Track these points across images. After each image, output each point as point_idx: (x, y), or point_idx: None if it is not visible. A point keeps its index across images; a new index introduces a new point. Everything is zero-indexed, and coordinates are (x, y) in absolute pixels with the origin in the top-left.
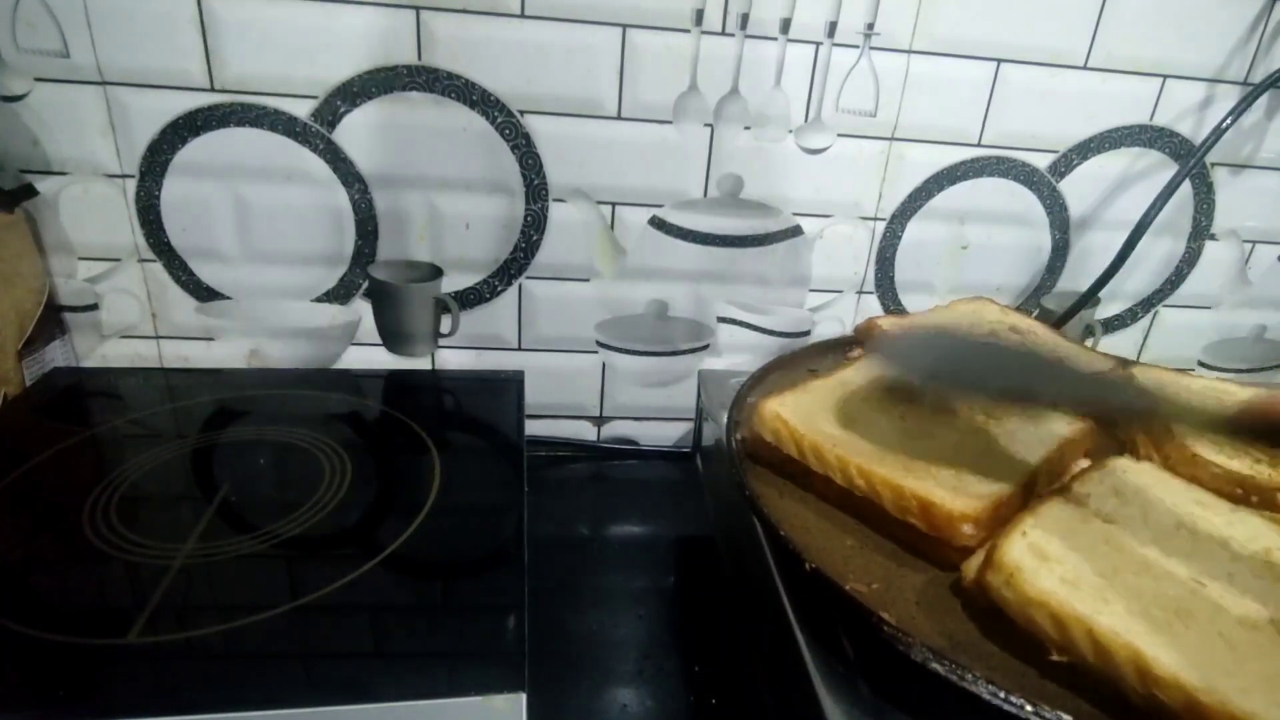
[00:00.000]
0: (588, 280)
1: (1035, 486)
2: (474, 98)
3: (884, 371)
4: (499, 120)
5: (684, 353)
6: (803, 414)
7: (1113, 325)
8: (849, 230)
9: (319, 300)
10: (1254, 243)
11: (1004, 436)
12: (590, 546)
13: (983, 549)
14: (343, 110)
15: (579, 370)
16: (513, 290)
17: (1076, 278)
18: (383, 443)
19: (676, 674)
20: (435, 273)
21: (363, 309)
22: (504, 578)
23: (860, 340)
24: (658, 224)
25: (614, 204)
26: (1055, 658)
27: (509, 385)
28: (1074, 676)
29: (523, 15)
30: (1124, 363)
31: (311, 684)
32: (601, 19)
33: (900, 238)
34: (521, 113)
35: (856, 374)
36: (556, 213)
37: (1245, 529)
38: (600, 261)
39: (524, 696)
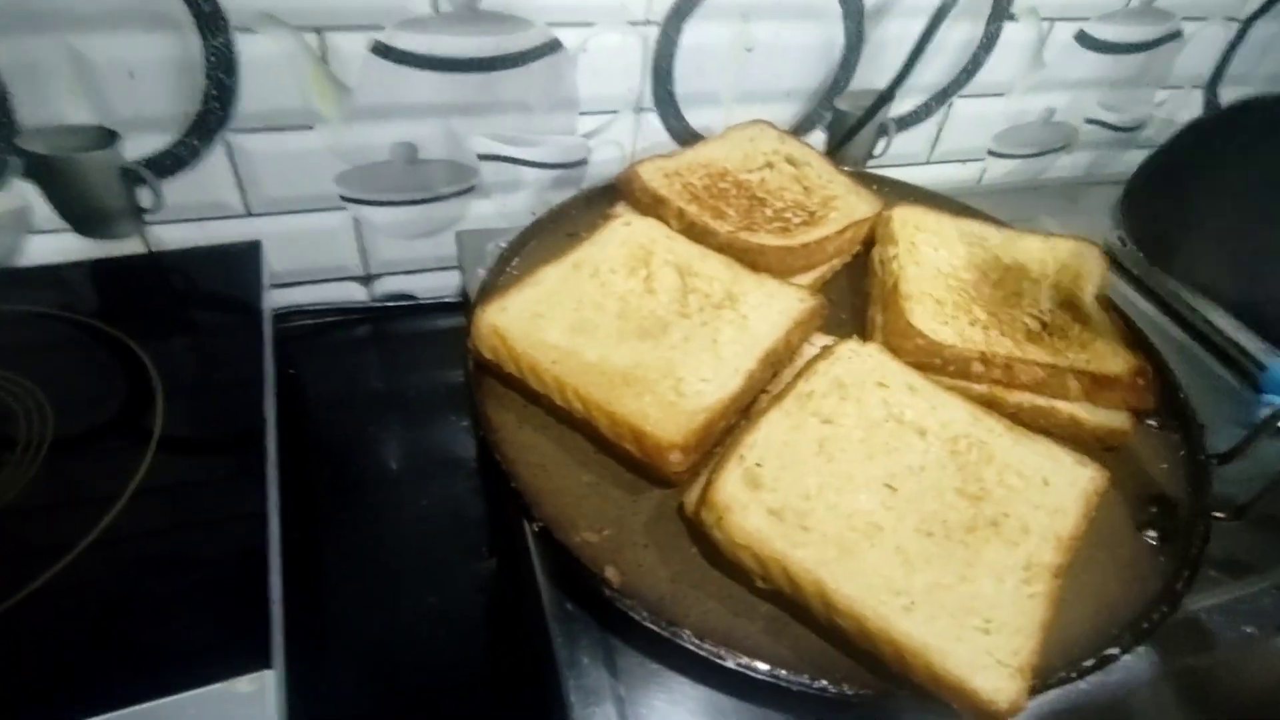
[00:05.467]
0: (311, 128)
1: (760, 379)
2: None
3: None
4: None
5: (446, 198)
6: (527, 318)
7: (907, 122)
8: (617, 39)
9: None
10: (1053, 20)
11: (736, 322)
12: (379, 402)
13: (701, 478)
14: None
15: (329, 230)
16: (219, 148)
17: (871, 75)
18: (89, 368)
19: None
20: (107, 137)
21: (26, 191)
22: (245, 566)
23: (622, 192)
24: (383, 51)
25: (319, 29)
26: (760, 585)
27: (242, 259)
28: (780, 598)
29: None
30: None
31: (25, 698)
32: None
33: (677, 43)
34: None
35: (594, 249)
36: (247, 47)
37: (944, 415)
38: (319, 103)
39: (272, 674)
